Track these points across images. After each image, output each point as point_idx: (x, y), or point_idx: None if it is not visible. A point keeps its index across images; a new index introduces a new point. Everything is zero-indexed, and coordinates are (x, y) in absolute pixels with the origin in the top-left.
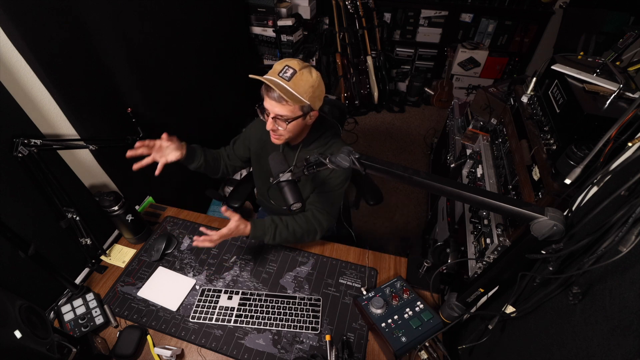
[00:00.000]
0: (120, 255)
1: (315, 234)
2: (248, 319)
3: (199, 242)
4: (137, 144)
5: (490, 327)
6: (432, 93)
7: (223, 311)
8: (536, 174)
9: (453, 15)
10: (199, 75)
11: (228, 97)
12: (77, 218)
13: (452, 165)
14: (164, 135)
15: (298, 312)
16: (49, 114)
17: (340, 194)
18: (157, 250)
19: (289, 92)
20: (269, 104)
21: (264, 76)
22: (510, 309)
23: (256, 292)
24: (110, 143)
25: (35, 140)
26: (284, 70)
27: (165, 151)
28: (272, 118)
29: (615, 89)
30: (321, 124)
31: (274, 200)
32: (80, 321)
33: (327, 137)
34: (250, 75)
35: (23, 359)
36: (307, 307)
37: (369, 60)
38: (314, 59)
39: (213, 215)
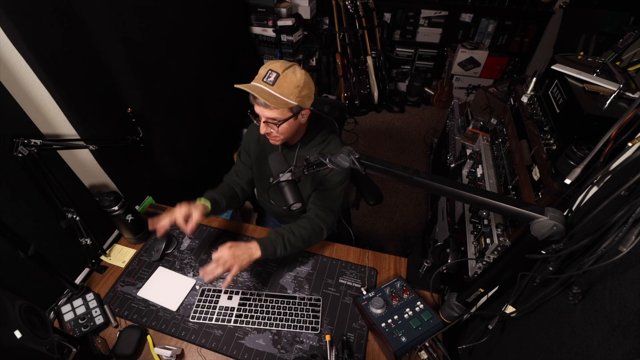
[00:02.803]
0: (120, 255)
1: (322, 233)
2: (248, 319)
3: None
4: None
5: (490, 327)
6: (432, 93)
7: (223, 311)
8: (536, 174)
9: (453, 15)
10: (199, 75)
11: (228, 97)
12: (77, 218)
13: (452, 165)
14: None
15: (298, 312)
16: (49, 114)
17: (340, 192)
18: (157, 250)
19: (273, 96)
20: (258, 109)
21: (249, 84)
22: (510, 309)
23: (256, 292)
24: (110, 143)
25: (35, 140)
26: (267, 75)
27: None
28: (264, 122)
29: (615, 89)
30: (317, 122)
31: (274, 201)
32: (80, 321)
33: (324, 134)
34: (235, 85)
35: (23, 359)
36: (307, 307)
37: (369, 60)
38: (314, 59)
39: (213, 216)
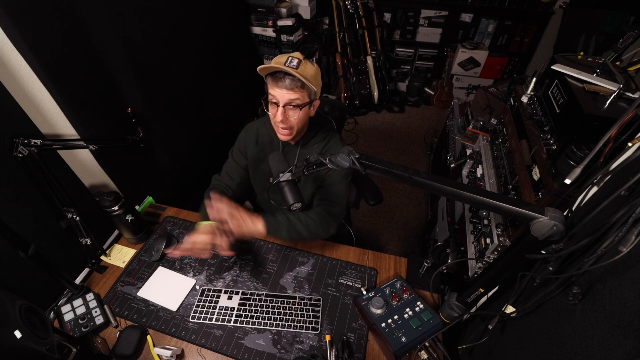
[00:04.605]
0: (120, 255)
1: (329, 226)
2: (248, 319)
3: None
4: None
5: (490, 327)
6: (432, 93)
7: (223, 311)
8: (536, 174)
9: (453, 15)
10: (199, 75)
11: (228, 97)
12: (77, 218)
13: (452, 165)
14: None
15: (298, 312)
16: (49, 114)
17: (344, 187)
18: (157, 250)
19: (300, 78)
20: (278, 92)
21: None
22: (510, 309)
23: (256, 292)
24: (110, 143)
25: (35, 140)
26: (289, 60)
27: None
28: (283, 107)
29: (615, 89)
30: (317, 120)
31: (274, 201)
32: (80, 321)
33: (324, 132)
34: (259, 68)
35: (23, 359)
36: (307, 307)
37: (369, 60)
38: (314, 59)
39: None
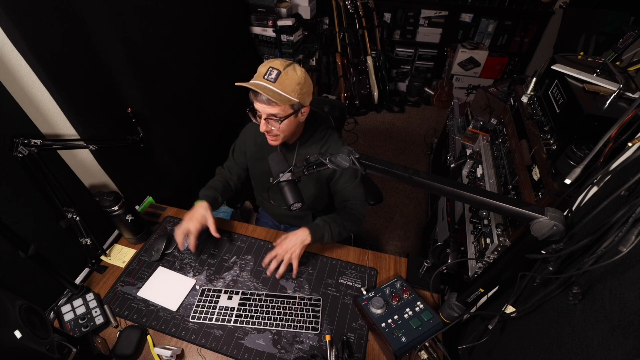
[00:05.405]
0: (120, 255)
1: (360, 221)
2: (248, 319)
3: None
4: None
5: (490, 327)
6: (432, 93)
7: (223, 311)
8: (536, 174)
9: (453, 15)
10: (199, 75)
11: (228, 97)
12: (77, 218)
13: (452, 165)
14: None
15: (298, 312)
16: (49, 114)
17: (358, 183)
18: (157, 250)
19: (276, 93)
20: (259, 106)
21: (250, 81)
22: (510, 309)
23: (256, 292)
24: (110, 143)
25: (35, 140)
26: (269, 72)
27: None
28: (265, 119)
29: (615, 89)
30: (314, 119)
31: (274, 201)
32: (80, 321)
33: (322, 131)
34: (236, 84)
35: (23, 359)
36: (307, 307)
37: (369, 60)
38: (314, 59)
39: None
